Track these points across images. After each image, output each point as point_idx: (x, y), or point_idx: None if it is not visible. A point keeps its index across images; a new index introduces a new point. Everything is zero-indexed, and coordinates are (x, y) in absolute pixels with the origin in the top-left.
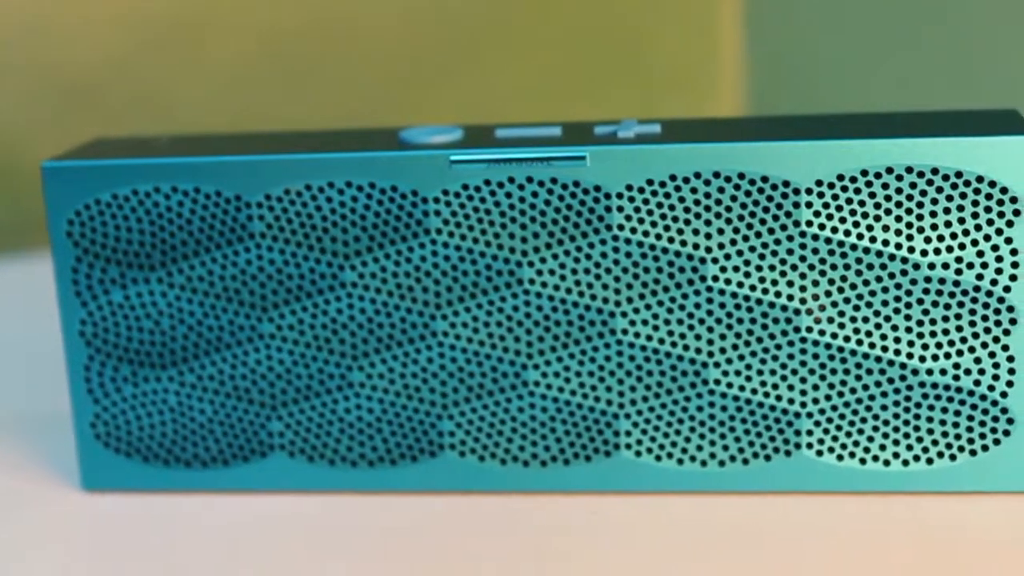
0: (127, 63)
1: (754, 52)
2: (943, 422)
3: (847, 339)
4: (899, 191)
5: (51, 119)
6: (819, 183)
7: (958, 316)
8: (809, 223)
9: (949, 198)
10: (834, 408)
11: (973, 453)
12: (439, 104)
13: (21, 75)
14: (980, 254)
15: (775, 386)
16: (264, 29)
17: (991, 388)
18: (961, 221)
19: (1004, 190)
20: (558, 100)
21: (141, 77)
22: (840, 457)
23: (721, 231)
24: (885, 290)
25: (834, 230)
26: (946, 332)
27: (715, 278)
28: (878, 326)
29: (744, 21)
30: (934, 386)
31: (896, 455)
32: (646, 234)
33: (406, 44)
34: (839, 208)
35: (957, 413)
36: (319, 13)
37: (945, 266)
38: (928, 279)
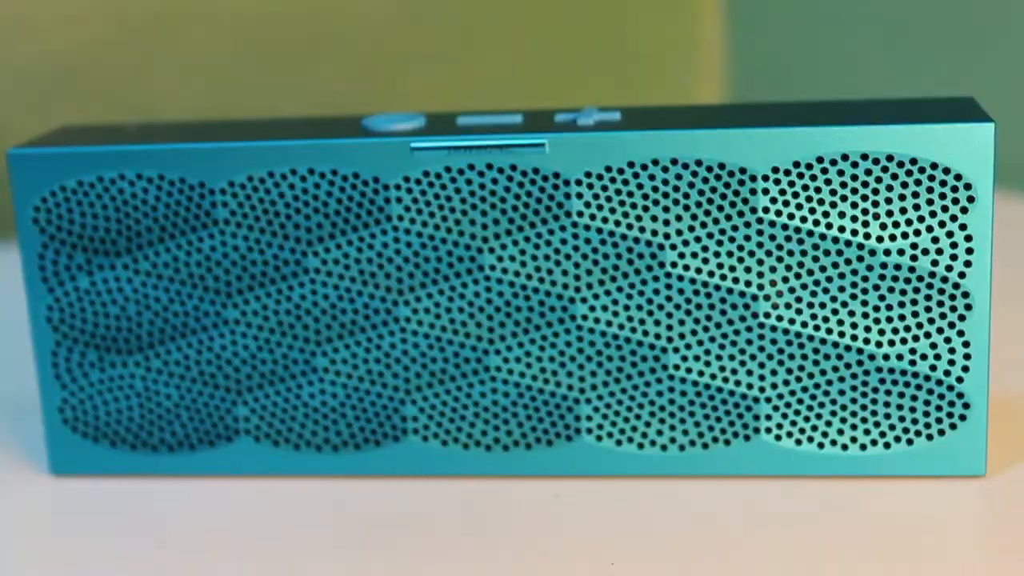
0: (107, 53)
1: (734, 40)
2: (900, 407)
3: (804, 324)
4: (854, 178)
5: (31, 109)
6: (775, 170)
7: (914, 302)
8: (766, 209)
9: (904, 185)
10: (792, 393)
11: (930, 438)
12: (419, 93)
13: (0, 65)
14: (935, 240)
15: (734, 371)
16: (243, 18)
17: (947, 373)
18: (916, 207)
19: (958, 177)
20: (536, 88)
21: (121, 67)
22: (798, 441)
23: (679, 217)
24: (842, 276)
25: (791, 216)
26: (902, 318)
27: (673, 264)
28: (835, 312)
29: (724, 8)
30: (891, 371)
31: (854, 439)
32: (605, 221)
33: (386, 32)
34: (795, 195)
35: (914, 398)
36: (298, 2)
37: (901, 252)
38: (884, 265)
